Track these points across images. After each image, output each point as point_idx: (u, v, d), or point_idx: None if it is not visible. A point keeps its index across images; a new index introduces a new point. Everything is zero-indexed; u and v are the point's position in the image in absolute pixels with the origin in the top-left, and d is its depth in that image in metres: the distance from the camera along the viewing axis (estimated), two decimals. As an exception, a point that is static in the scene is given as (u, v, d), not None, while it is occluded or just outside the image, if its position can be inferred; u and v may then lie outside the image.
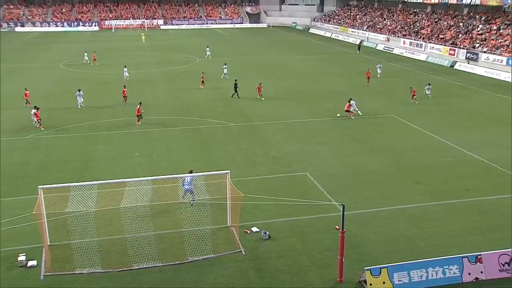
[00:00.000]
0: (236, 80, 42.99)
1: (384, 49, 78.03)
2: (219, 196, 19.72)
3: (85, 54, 63.66)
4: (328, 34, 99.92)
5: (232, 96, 42.04)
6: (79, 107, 38.69)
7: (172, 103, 41.34)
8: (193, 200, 20.80)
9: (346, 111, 35.82)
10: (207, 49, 67.90)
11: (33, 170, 26.21)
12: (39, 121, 32.99)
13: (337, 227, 18.74)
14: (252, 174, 25.38)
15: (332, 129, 33.61)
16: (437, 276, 15.86)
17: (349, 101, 36.03)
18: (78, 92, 39.30)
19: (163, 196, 20.35)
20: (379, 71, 52.10)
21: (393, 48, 76.13)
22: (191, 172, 21.47)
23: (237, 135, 32.23)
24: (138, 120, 33.96)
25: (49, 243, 17.89)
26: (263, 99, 40.47)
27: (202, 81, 47.72)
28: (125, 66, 51.41)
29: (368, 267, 15.70)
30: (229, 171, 19.28)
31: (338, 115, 35.55)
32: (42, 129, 32.71)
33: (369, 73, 49.16)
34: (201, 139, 31.35)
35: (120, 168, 26.17)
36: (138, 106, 34.06)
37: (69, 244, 17.90)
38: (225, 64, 52.93)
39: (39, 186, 17.54)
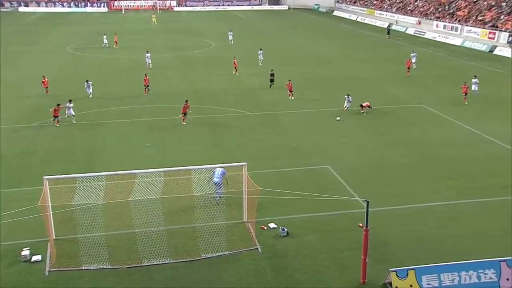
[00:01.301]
0: (272, 70, 41.94)
1: (414, 33, 77.02)
2: (235, 190, 19.79)
3: (104, 37, 64.10)
4: (353, 17, 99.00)
5: (270, 87, 41.07)
6: (90, 97, 38.47)
7: (185, 90, 41.47)
8: (218, 195, 20.72)
9: (367, 106, 34.87)
10: (230, 33, 67.67)
11: (38, 160, 26.63)
12: (56, 117, 31.62)
13: (360, 224, 18.70)
14: (269, 166, 25.40)
15: (355, 119, 33.40)
16: (470, 280, 15.60)
17: (347, 96, 34.80)
18: (86, 83, 39.06)
19: (175, 189, 20.48)
20: (413, 60, 50.47)
21: (425, 32, 75.07)
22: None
23: (254, 125, 32.26)
24: (184, 119, 32.13)
25: (54, 237, 18.19)
26: (292, 98, 37.82)
27: (235, 67, 47.63)
28: (147, 52, 51.11)
29: (394, 269, 15.62)
30: (245, 163, 19.33)
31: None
32: (57, 125, 31.55)
33: (409, 62, 47.51)
34: (216, 129, 31.44)
35: (129, 159, 26.42)
36: (185, 104, 32.38)
37: (75, 239, 18.17)
38: (261, 49, 52.40)
39: (44, 177, 17.82)
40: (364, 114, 34.21)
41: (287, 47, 63.33)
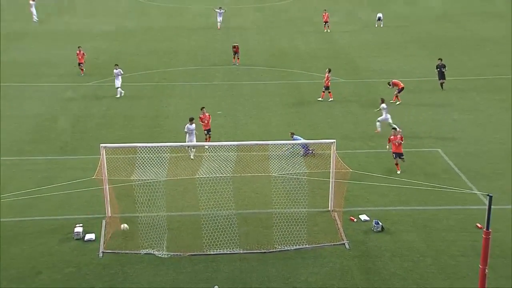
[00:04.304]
0: (441, 60, 32.71)
1: None
2: (320, 171, 19.72)
3: None
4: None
5: (442, 87, 32.65)
6: (118, 95, 31.46)
7: (266, 50, 41.61)
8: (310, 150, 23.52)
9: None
10: None
11: (94, 124, 27.86)
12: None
13: (479, 225, 18.13)
14: (364, 146, 25.12)
15: (477, 91, 32.17)
16: None
17: (382, 102, 26.71)
18: (115, 69, 31.36)
19: (250, 166, 20.74)
20: None
21: None
22: None
23: (347, 95, 31.97)
24: (398, 164, 22.53)
25: (110, 215, 19.05)
26: (331, 98, 30.82)
27: (325, 22, 46.97)
28: (220, 7, 49.62)
29: (524, 287, 15.02)
30: (334, 140, 19.19)
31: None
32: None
33: None
34: (301, 98, 31.45)
35: (197, 129, 26.80)
36: (394, 134, 22.45)
37: (133, 218, 18.81)
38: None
39: (101, 145, 18.59)
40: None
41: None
